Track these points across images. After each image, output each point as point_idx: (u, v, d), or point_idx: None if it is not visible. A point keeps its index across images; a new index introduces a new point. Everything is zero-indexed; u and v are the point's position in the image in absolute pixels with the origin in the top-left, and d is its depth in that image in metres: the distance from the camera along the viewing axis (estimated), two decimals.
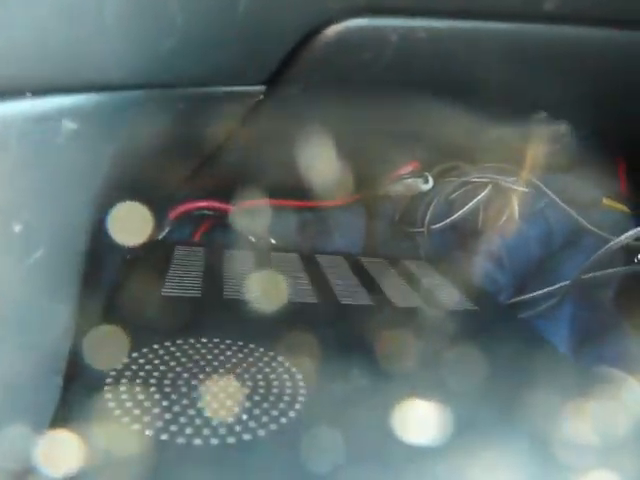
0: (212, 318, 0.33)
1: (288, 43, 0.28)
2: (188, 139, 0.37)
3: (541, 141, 0.55)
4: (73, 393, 0.24)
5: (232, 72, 0.29)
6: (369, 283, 0.42)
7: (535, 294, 0.54)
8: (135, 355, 0.28)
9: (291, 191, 0.60)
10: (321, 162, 0.50)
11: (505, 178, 0.59)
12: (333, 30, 0.28)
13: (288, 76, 0.31)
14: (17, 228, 0.17)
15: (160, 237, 0.51)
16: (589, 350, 0.52)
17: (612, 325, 0.54)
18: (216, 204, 0.54)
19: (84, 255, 0.24)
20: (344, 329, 0.34)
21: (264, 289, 0.38)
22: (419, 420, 0.25)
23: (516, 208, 0.58)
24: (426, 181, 0.60)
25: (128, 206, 0.37)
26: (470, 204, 0.57)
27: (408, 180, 0.60)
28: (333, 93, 0.38)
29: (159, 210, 0.53)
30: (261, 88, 0.32)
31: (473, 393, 0.28)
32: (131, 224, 0.40)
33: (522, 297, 0.54)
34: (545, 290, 0.54)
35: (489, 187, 0.58)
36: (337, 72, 0.32)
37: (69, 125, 0.18)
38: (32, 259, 0.18)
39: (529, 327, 0.46)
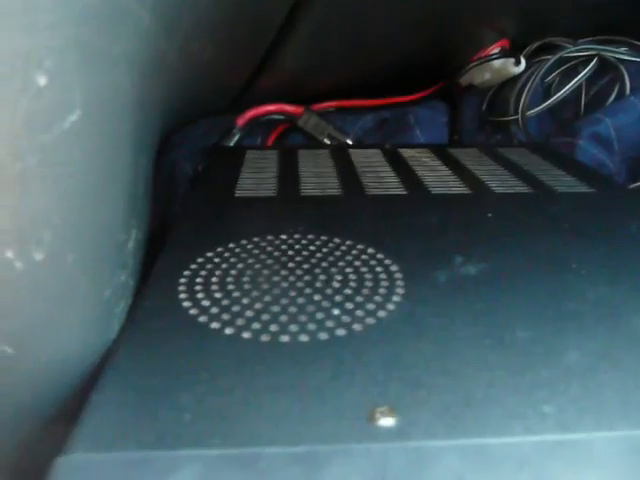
0: (290, 215, 0.30)
1: None
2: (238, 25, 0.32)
3: None
4: (147, 294, 0.22)
5: None
6: (461, 171, 0.37)
7: None
8: (210, 254, 0.25)
9: (363, 89, 0.54)
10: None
11: (613, 48, 0.50)
12: None
13: None
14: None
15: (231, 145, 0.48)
16: None
17: None
18: (286, 107, 0.50)
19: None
20: (439, 219, 0.30)
21: (345, 184, 0.34)
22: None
23: (627, 83, 0.50)
24: (518, 62, 0.52)
25: None
26: (571, 83, 0.50)
27: (496, 62, 0.53)
28: None
29: (225, 119, 0.49)
30: None
31: (604, 282, 0.23)
32: None
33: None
34: None
35: (594, 61, 0.50)
36: None
37: None
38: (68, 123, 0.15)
39: None
